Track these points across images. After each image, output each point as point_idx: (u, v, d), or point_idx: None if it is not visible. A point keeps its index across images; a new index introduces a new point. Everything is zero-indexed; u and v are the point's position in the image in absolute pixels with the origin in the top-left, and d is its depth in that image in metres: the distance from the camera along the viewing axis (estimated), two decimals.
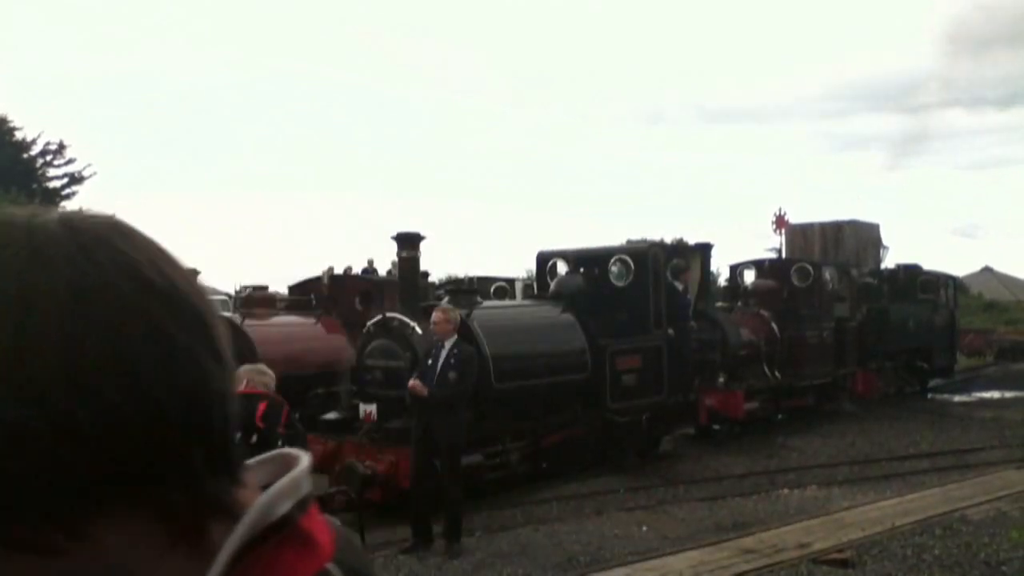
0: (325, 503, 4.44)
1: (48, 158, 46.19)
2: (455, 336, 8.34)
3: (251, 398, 4.44)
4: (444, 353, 8.20)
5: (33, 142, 45.51)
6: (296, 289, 15.19)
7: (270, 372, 4.78)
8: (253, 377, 4.65)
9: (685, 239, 12.84)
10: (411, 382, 8.20)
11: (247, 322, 12.38)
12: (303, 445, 4.58)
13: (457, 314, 8.73)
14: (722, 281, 21.85)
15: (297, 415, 4.71)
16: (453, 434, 8.18)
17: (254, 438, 4.30)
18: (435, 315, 8.47)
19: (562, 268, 12.57)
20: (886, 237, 28.24)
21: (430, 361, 8.26)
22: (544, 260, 12.84)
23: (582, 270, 12.19)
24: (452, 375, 8.12)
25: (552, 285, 12.20)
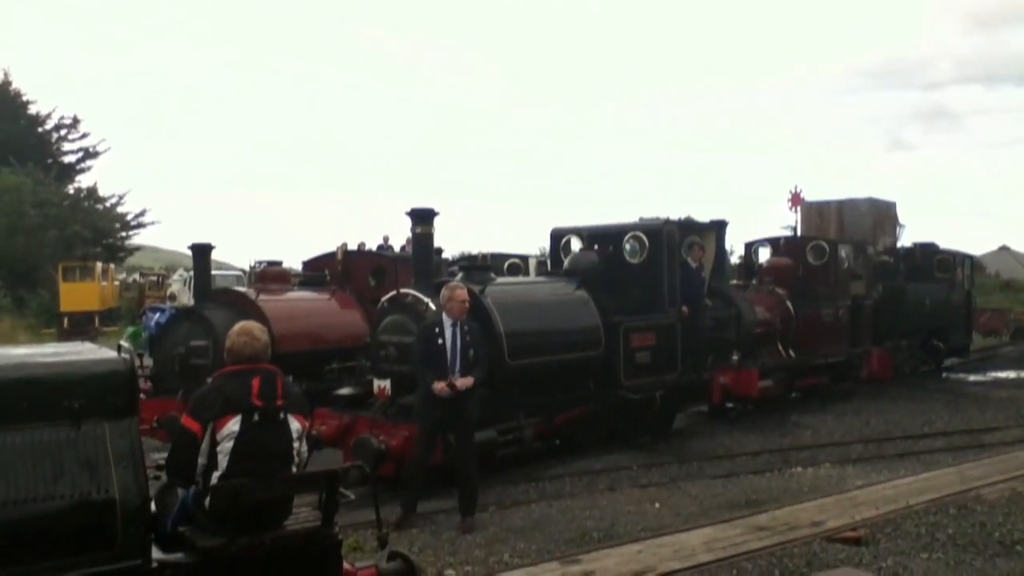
0: (340, 478, 4.43)
1: (63, 132, 46.39)
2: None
3: (242, 375, 4.37)
4: (458, 332, 8.06)
5: (47, 116, 45.71)
6: (310, 265, 15.22)
7: (255, 333, 4.49)
8: (241, 351, 4.47)
9: (692, 216, 12.76)
10: (461, 381, 7.87)
11: (261, 297, 12.42)
12: (302, 410, 4.51)
13: None
14: (737, 259, 21.76)
15: (291, 377, 4.60)
16: (474, 410, 8.20)
17: (255, 417, 4.26)
18: (459, 294, 8.13)
19: (576, 245, 12.53)
20: (903, 215, 28.01)
21: (440, 341, 7.98)
22: (558, 237, 12.81)
23: (596, 247, 12.15)
24: (471, 353, 8.07)
25: (566, 262, 12.17)
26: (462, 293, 8.21)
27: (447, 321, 8.12)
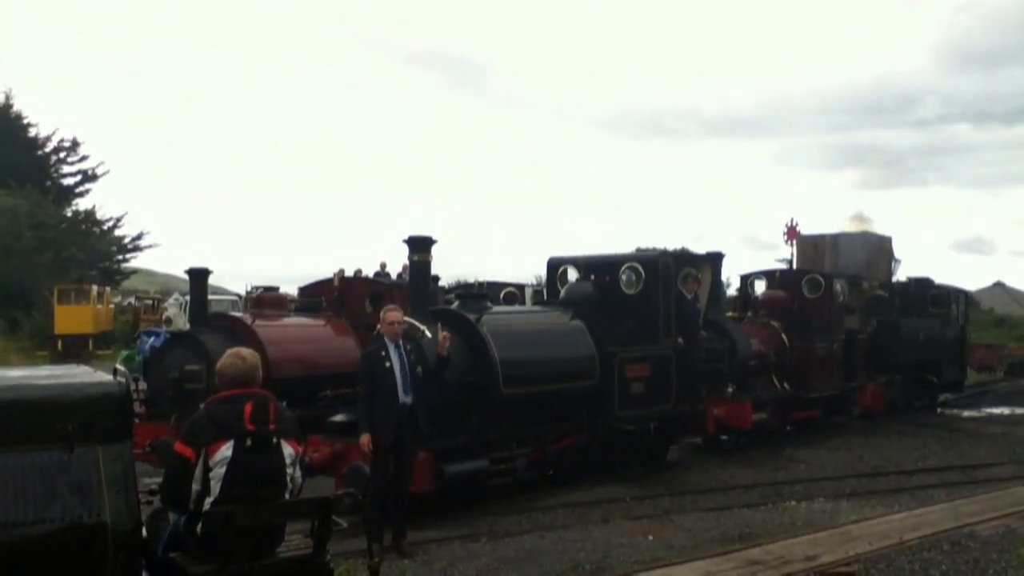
0: (332, 506, 4.41)
1: (62, 155, 46.46)
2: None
3: (235, 400, 4.35)
4: (402, 353, 8.20)
5: (47, 139, 45.81)
6: (306, 291, 15.20)
7: (243, 354, 4.50)
8: (226, 371, 4.47)
9: (688, 248, 12.84)
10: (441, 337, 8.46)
11: (257, 322, 12.40)
12: (296, 435, 4.49)
13: None
14: (732, 291, 21.81)
15: (284, 403, 4.58)
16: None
17: (248, 442, 4.24)
18: (390, 315, 8.32)
19: (572, 275, 12.55)
20: (898, 250, 28.12)
21: (387, 364, 8.12)
22: (554, 266, 12.84)
23: (592, 277, 12.17)
24: (419, 371, 8.21)
25: (562, 292, 12.19)
26: (393, 315, 8.34)
27: (390, 344, 8.25)
